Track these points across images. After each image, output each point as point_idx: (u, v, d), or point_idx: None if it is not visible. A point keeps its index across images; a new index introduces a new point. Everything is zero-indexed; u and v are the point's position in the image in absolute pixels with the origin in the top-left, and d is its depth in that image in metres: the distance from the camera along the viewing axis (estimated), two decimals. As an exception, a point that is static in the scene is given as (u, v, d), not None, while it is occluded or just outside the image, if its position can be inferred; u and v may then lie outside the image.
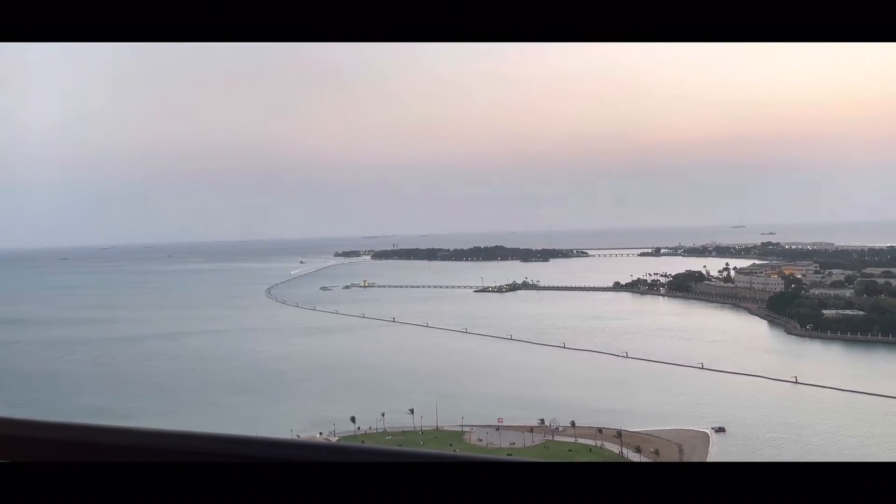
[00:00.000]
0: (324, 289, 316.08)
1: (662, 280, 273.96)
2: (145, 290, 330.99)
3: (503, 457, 1.97)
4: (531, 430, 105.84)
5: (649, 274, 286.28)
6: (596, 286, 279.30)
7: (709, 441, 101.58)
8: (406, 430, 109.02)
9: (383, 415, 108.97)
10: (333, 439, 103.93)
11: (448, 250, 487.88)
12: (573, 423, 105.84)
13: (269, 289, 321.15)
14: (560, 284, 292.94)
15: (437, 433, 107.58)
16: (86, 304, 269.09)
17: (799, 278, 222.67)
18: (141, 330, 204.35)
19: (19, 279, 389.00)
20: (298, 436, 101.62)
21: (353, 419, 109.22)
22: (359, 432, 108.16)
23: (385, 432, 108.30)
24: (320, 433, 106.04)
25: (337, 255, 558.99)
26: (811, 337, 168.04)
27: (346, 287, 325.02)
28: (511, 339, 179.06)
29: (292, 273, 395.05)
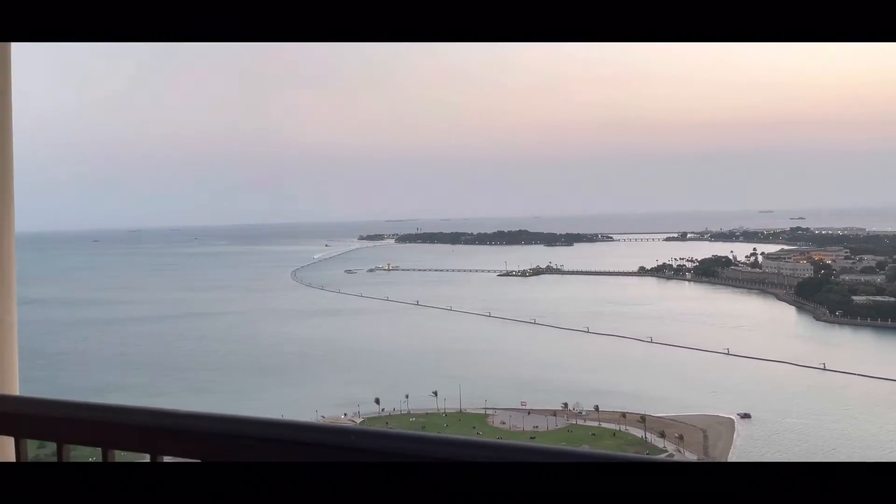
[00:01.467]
0: (348, 272, 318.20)
1: (688, 265, 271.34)
2: (171, 272, 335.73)
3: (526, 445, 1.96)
4: (554, 413, 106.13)
5: (675, 259, 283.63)
6: (621, 271, 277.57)
7: (734, 427, 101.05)
8: (430, 412, 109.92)
9: (407, 397, 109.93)
10: (358, 420, 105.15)
11: (471, 234, 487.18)
12: (597, 408, 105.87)
13: (294, 272, 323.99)
14: (584, 269, 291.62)
15: (461, 415, 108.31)
16: (113, 284, 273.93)
17: (829, 264, 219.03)
18: (166, 311, 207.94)
19: (52, 260, 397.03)
20: (324, 417, 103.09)
21: (377, 401, 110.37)
22: (383, 414, 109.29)
23: (409, 414, 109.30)
24: (345, 414, 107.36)
25: (361, 238, 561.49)
26: (840, 323, 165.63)
27: (371, 270, 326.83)
28: (534, 323, 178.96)
29: (315, 257, 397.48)
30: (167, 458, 2.55)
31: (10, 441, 2.81)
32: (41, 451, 2.96)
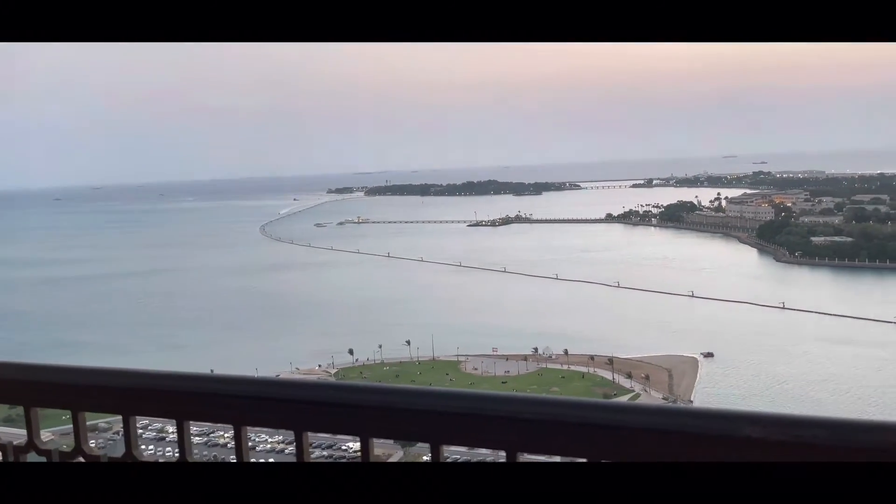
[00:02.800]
0: (318, 225, 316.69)
1: (654, 211, 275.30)
2: (135, 228, 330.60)
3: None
4: (525, 358, 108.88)
5: (641, 205, 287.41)
6: (588, 218, 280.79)
7: (698, 365, 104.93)
8: (403, 361, 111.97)
9: (380, 346, 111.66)
10: (332, 371, 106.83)
11: (441, 185, 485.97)
12: (566, 352, 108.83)
13: (262, 226, 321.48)
14: (553, 217, 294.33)
15: (434, 363, 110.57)
16: (79, 243, 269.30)
17: (789, 206, 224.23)
18: (129, 268, 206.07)
19: (8, 220, 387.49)
20: (298, 369, 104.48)
21: (350, 351, 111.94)
22: (356, 364, 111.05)
23: (383, 363, 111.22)
24: (319, 365, 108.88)
25: (330, 191, 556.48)
26: (799, 264, 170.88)
27: (340, 224, 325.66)
28: (504, 271, 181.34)
29: (282, 212, 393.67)
30: (140, 419, 2.59)
31: None
32: (12, 411, 2.97)
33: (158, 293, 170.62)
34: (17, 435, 2.81)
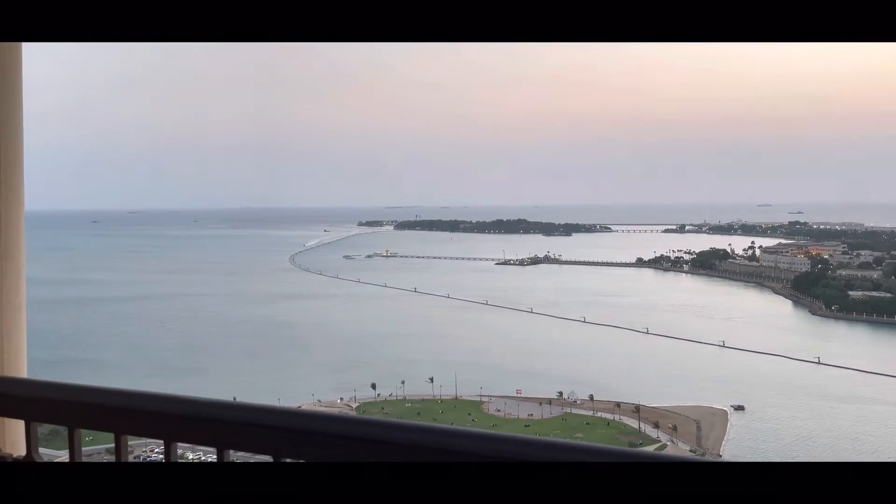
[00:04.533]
0: (347, 257, 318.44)
1: (686, 257, 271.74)
2: (171, 252, 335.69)
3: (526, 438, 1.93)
4: (549, 402, 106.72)
5: (673, 250, 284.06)
6: (618, 262, 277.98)
7: (727, 419, 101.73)
8: (426, 398, 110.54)
9: (403, 382, 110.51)
10: (354, 405, 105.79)
11: (470, 222, 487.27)
12: (591, 397, 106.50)
13: (292, 256, 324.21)
14: (582, 259, 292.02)
15: (456, 402, 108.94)
16: (115, 265, 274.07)
17: (826, 258, 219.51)
18: (164, 290, 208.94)
19: (46, 240, 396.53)
20: (320, 401, 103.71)
21: (373, 386, 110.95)
22: (378, 399, 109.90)
23: (405, 399, 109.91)
24: (341, 399, 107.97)
25: (360, 224, 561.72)
26: (836, 318, 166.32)
27: (369, 256, 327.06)
28: (531, 312, 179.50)
29: (310, 243, 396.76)
30: (180, 445, 2.56)
31: (20, 424, 2.80)
32: (53, 433, 2.91)
33: (190, 317, 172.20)
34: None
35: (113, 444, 2.66)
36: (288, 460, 2.31)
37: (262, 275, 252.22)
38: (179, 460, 2.48)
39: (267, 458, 2.35)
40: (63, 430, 2.74)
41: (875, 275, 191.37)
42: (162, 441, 2.54)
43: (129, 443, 2.69)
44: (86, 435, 2.69)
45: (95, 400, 2.72)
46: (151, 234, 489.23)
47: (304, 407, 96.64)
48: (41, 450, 2.83)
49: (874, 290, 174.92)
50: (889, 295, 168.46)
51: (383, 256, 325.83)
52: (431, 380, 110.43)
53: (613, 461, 1.80)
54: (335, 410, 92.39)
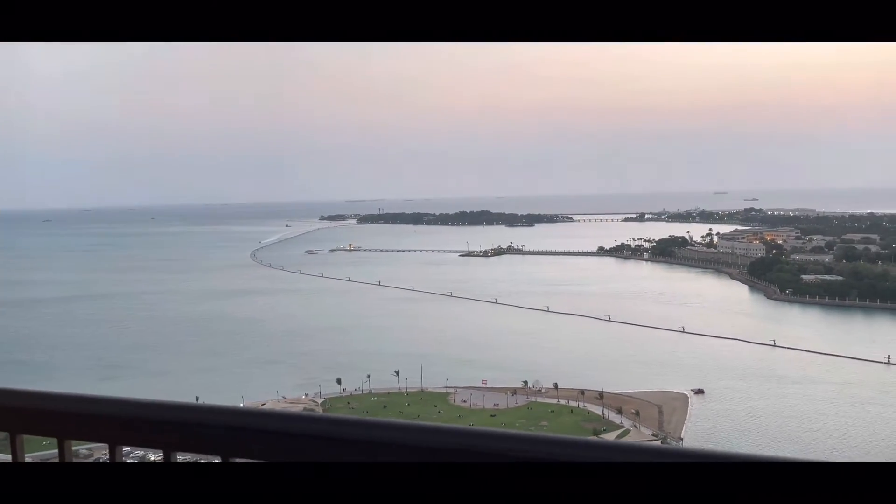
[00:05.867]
0: (309, 252, 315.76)
1: (646, 245, 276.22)
2: (127, 250, 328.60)
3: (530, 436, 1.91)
4: (514, 391, 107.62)
5: (633, 239, 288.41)
6: (580, 251, 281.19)
7: (688, 402, 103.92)
8: (391, 391, 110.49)
9: (368, 377, 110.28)
10: (319, 401, 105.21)
11: (434, 215, 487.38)
12: (556, 385, 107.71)
13: (253, 252, 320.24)
14: (545, 249, 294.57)
15: (422, 394, 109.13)
16: (60, 265, 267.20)
17: (780, 244, 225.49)
18: (118, 289, 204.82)
19: None
20: (285, 398, 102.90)
21: (338, 381, 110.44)
22: (344, 394, 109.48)
23: (371, 394, 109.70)
24: (305, 395, 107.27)
25: (322, 218, 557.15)
26: (790, 301, 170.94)
27: (332, 251, 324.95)
28: (496, 302, 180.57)
29: (272, 239, 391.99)
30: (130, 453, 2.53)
31: None
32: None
33: (147, 316, 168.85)
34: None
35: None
36: (238, 460, 2.29)
37: (220, 271, 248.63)
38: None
39: (216, 459, 2.33)
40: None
41: (827, 258, 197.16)
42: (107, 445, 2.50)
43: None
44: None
45: (37, 405, 2.68)
46: (106, 231, 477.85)
47: (267, 405, 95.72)
48: None
49: (826, 273, 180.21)
50: (840, 278, 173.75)
51: (347, 250, 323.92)
52: (397, 373, 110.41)
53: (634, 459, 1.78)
54: (297, 408, 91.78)
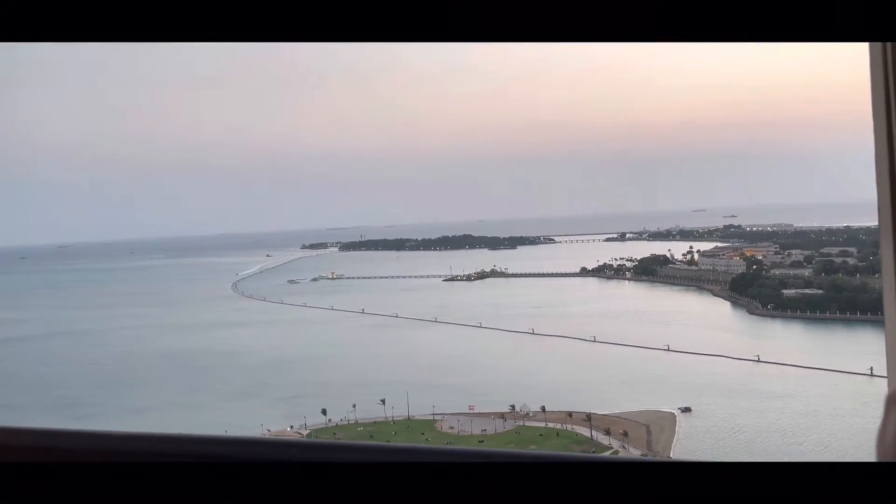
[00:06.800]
0: (291, 282, 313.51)
1: (628, 264, 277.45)
2: (107, 286, 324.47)
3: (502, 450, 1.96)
4: (503, 416, 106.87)
5: (615, 258, 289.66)
6: (563, 272, 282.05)
7: (675, 421, 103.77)
8: (378, 420, 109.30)
9: (354, 406, 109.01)
10: (305, 433, 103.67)
11: (416, 240, 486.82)
12: (543, 408, 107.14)
13: (234, 283, 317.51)
14: (528, 271, 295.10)
15: (409, 422, 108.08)
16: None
17: (760, 259, 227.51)
18: (92, 325, 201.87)
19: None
20: (269, 430, 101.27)
21: (324, 411, 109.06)
22: (330, 424, 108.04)
23: (357, 423, 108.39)
24: (291, 426, 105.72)
25: (304, 247, 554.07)
26: (772, 316, 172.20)
27: (314, 280, 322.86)
28: (480, 326, 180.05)
29: (253, 269, 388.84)
30: None
31: None
32: None
33: (120, 352, 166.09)
34: None
35: None
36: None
37: (201, 304, 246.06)
38: None
39: None
40: None
41: (806, 272, 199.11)
42: None
43: None
44: None
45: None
46: (84, 267, 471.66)
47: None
48: None
49: (806, 287, 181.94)
50: (820, 291, 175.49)
51: (329, 279, 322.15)
52: (383, 402, 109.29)
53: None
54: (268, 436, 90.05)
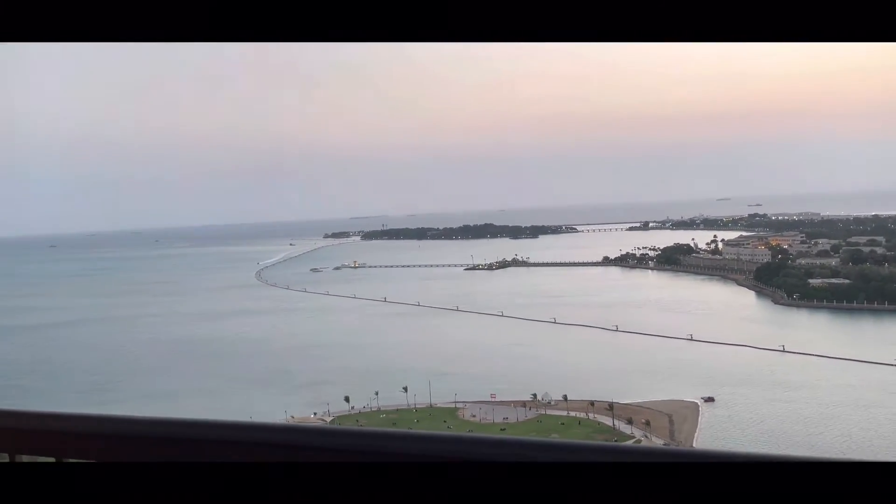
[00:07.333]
0: (314, 270, 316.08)
1: (651, 253, 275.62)
2: (134, 274, 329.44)
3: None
4: (524, 404, 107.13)
5: (638, 248, 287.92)
6: (585, 261, 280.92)
7: (698, 410, 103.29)
8: (400, 408, 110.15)
9: (377, 393, 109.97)
10: (328, 419, 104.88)
11: (438, 229, 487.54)
12: (565, 397, 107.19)
13: (258, 272, 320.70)
14: (550, 260, 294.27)
15: (431, 410, 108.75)
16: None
17: (785, 248, 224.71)
18: (122, 312, 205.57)
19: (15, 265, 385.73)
20: (293, 417, 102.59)
21: (346, 399, 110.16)
22: (353, 411, 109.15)
23: (379, 411, 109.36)
24: (314, 413, 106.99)
25: (326, 236, 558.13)
26: (798, 306, 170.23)
27: (337, 268, 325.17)
28: (502, 315, 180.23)
29: (276, 258, 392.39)
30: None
31: None
32: None
33: (147, 339, 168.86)
34: None
35: None
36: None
37: (225, 291, 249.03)
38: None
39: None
40: None
41: (833, 262, 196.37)
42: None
43: None
44: None
45: (35, 425, 2.70)
46: (112, 256, 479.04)
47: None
48: None
49: (833, 277, 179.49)
50: (847, 281, 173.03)
51: (351, 268, 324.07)
52: (405, 389, 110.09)
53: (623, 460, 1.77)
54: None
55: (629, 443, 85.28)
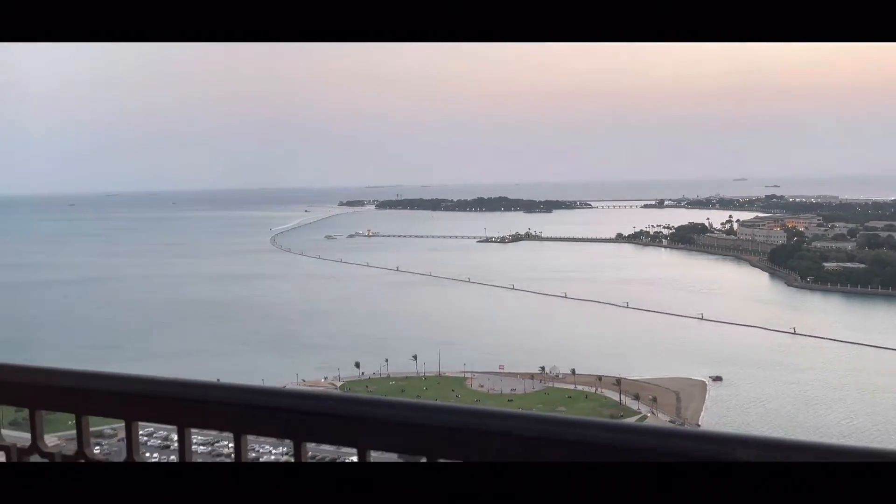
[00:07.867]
0: (328, 237, 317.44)
1: (665, 232, 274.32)
2: (151, 234, 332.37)
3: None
4: (532, 376, 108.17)
5: (652, 225, 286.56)
6: (598, 237, 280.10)
7: (706, 389, 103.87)
8: (409, 375, 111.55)
9: (387, 360, 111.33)
10: (338, 384, 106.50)
11: (452, 201, 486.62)
12: (573, 371, 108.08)
13: (273, 237, 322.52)
14: (563, 235, 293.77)
15: (440, 379, 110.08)
16: (111, 250, 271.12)
17: (801, 231, 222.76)
18: (138, 271, 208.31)
19: (27, 224, 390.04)
20: (304, 381, 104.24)
21: (357, 365, 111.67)
22: (363, 377, 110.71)
23: (389, 377, 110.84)
24: (325, 378, 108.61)
25: (341, 204, 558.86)
26: (811, 289, 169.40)
27: (351, 236, 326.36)
28: (513, 288, 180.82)
29: (291, 224, 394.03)
30: (145, 426, 2.56)
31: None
32: (18, 414, 2.90)
33: (161, 299, 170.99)
34: (23, 438, 2.80)
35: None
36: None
37: (239, 255, 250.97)
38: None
39: (228, 434, 2.38)
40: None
41: (849, 246, 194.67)
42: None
43: (93, 426, 2.68)
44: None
45: (56, 382, 2.71)
46: (129, 216, 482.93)
47: (288, 386, 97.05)
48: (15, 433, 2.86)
49: (848, 261, 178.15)
50: (863, 266, 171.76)
51: (365, 236, 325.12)
52: (415, 357, 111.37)
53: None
54: (321, 389, 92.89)
55: (631, 420, 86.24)
